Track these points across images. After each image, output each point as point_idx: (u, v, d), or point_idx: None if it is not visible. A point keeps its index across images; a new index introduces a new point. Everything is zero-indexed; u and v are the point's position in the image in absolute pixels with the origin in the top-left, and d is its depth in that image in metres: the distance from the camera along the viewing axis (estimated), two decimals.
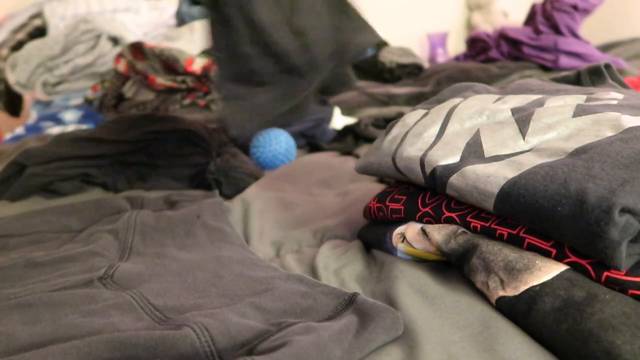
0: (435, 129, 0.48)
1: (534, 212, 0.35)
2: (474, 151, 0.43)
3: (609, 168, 0.34)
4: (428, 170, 0.44)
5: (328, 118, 1.11)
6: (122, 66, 1.33)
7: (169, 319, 0.38)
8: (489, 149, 0.42)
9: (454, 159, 0.43)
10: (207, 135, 0.84)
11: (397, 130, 0.53)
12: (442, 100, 0.56)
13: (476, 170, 0.40)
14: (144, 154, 0.80)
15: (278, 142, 0.91)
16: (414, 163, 0.45)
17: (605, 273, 0.33)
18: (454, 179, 0.41)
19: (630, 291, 0.32)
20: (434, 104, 0.56)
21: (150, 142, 0.79)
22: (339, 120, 1.15)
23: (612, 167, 0.33)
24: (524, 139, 0.42)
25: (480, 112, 0.47)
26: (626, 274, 0.32)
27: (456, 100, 0.52)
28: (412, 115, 0.54)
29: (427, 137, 0.48)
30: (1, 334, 0.36)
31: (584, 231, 0.32)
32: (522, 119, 0.43)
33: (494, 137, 0.43)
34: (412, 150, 0.47)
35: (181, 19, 1.57)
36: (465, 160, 0.42)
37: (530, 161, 0.38)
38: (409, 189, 0.50)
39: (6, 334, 0.37)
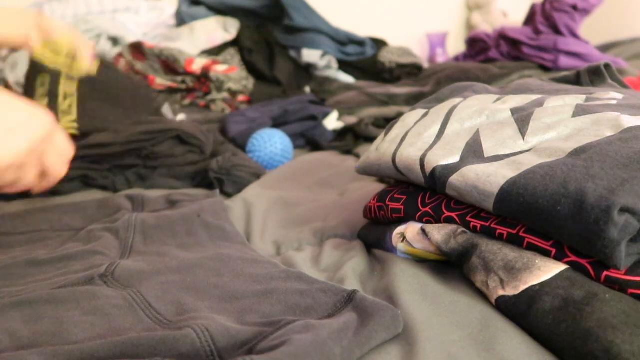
0: (435, 129, 0.49)
1: (533, 212, 0.35)
2: (473, 151, 0.43)
3: (608, 168, 0.34)
4: (428, 170, 0.44)
5: (322, 117, 1.11)
6: (122, 66, 1.33)
7: (170, 321, 0.38)
8: (488, 149, 0.42)
9: (454, 159, 0.43)
10: (200, 134, 0.84)
11: (397, 130, 0.53)
12: (441, 100, 0.56)
13: (476, 170, 0.40)
14: (136, 156, 0.80)
15: (273, 143, 0.91)
16: (414, 163, 0.46)
17: (605, 272, 0.33)
18: (454, 179, 0.41)
19: (630, 290, 0.32)
20: (433, 102, 0.56)
21: (142, 144, 0.79)
22: (332, 123, 1.15)
23: (611, 167, 0.34)
24: (523, 139, 0.42)
25: (480, 112, 0.48)
26: (625, 274, 0.33)
27: (456, 101, 0.53)
28: (412, 115, 0.54)
29: (427, 137, 0.48)
30: (3, 331, 0.37)
31: (584, 231, 0.32)
32: (522, 119, 0.44)
33: (494, 137, 0.43)
34: (412, 150, 0.47)
35: (181, 19, 1.57)
36: (465, 160, 0.42)
37: (530, 161, 0.38)
38: (408, 188, 0.50)
39: (8, 331, 0.37)
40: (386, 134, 0.54)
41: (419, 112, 0.54)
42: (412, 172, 0.46)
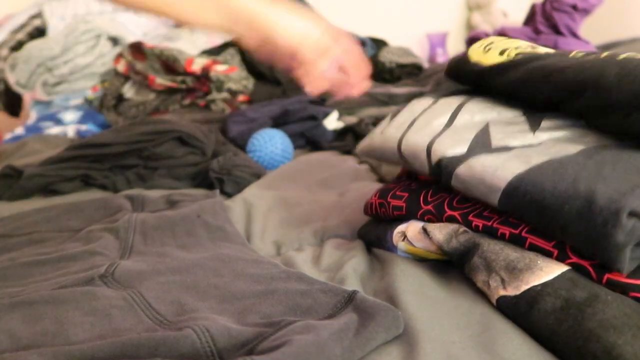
0: (445, 118, 0.47)
1: (539, 210, 0.34)
2: (482, 143, 0.42)
3: (620, 170, 0.33)
4: (434, 159, 0.43)
5: (322, 117, 1.11)
6: (121, 66, 1.33)
7: (170, 322, 0.38)
8: (497, 141, 0.41)
9: (461, 149, 0.42)
10: (201, 135, 0.84)
11: (404, 116, 0.51)
12: (445, 96, 0.55)
13: (483, 162, 0.39)
14: (137, 156, 0.80)
15: (273, 143, 0.91)
16: (421, 150, 0.44)
17: (607, 275, 0.33)
18: (460, 170, 0.40)
19: (632, 294, 0.32)
20: (441, 93, 0.55)
21: (143, 144, 0.80)
22: (332, 123, 1.15)
23: (623, 170, 0.33)
24: (533, 134, 0.41)
25: (492, 107, 0.47)
26: (627, 277, 0.32)
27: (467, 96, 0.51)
28: (420, 103, 0.52)
29: (436, 125, 0.46)
30: (3, 332, 0.37)
31: (590, 232, 0.32)
32: (533, 118, 0.43)
33: (504, 131, 0.42)
34: (419, 136, 0.46)
35: None
36: (472, 151, 0.41)
37: (540, 156, 0.37)
38: (411, 185, 0.50)
39: (8, 332, 0.37)
40: (392, 119, 0.53)
41: (427, 100, 0.52)
42: (417, 160, 0.45)
